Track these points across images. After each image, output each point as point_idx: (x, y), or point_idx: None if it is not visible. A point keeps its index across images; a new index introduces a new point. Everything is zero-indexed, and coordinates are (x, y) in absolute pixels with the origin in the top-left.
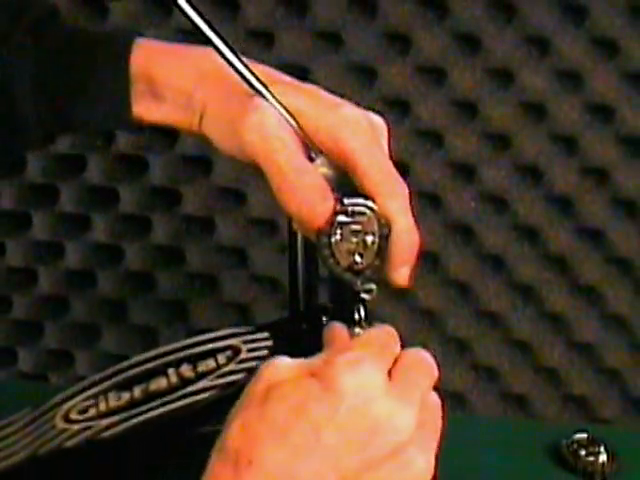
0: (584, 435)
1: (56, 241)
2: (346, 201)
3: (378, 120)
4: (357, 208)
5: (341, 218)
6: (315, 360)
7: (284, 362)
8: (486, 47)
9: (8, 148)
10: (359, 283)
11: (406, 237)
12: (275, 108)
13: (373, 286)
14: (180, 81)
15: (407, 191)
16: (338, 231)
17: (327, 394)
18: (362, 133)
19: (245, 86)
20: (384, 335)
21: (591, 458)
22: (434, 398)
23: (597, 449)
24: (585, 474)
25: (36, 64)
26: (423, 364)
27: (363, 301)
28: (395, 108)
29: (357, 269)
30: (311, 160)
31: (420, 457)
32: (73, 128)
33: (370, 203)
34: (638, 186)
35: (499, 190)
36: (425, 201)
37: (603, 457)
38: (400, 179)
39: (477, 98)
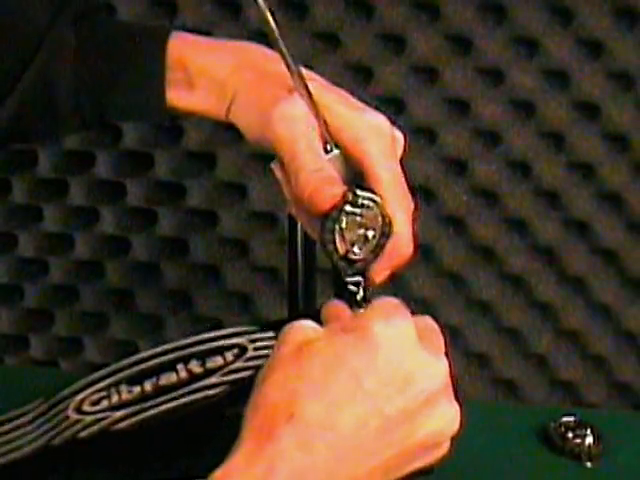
0: (571, 418)
1: (66, 233)
2: (358, 192)
3: (399, 134)
4: (366, 201)
5: (349, 207)
6: (339, 320)
7: (307, 324)
8: (477, 47)
9: (48, 132)
10: (349, 272)
11: (402, 247)
12: (305, 100)
13: (361, 279)
14: (214, 70)
15: (412, 205)
16: (344, 218)
17: (363, 343)
18: (383, 140)
19: (277, 79)
20: (400, 302)
21: (578, 440)
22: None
23: (584, 432)
24: (572, 455)
25: (76, 54)
26: (436, 329)
27: (359, 284)
28: (390, 106)
29: (352, 259)
30: (326, 152)
31: (451, 407)
32: (110, 115)
33: (379, 199)
34: (622, 180)
35: (490, 184)
36: (419, 195)
37: (589, 439)
38: (408, 193)
39: (469, 96)
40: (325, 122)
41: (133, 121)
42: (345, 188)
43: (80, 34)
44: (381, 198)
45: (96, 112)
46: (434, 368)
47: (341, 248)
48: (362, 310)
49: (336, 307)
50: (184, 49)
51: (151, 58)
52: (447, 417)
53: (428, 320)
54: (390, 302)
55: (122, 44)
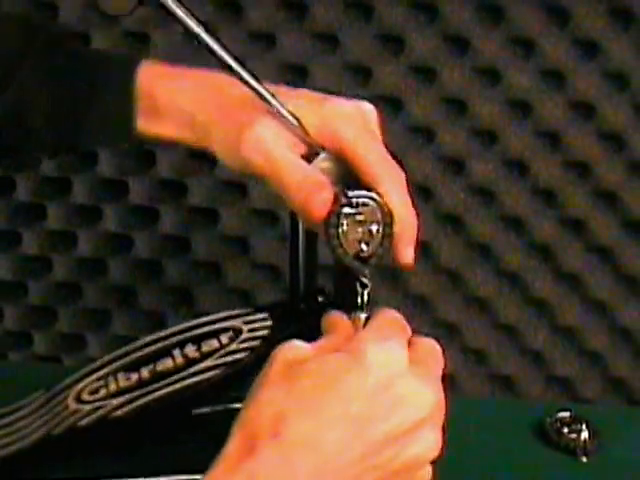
0: (567, 414)
1: (69, 231)
2: (350, 193)
3: (367, 106)
4: (360, 200)
5: (346, 210)
6: (332, 339)
7: (299, 343)
8: (474, 48)
9: (22, 160)
10: (365, 271)
11: (406, 218)
12: (279, 113)
13: (368, 283)
14: (182, 100)
15: (403, 174)
16: (344, 221)
17: (356, 366)
18: (353, 122)
19: (243, 103)
20: (400, 318)
21: (573, 435)
22: (441, 385)
23: (579, 427)
24: (568, 450)
25: (49, 83)
26: (436, 352)
27: (366, 287)
28: (389, 105)
29: (363, 257)
30: (316, 155)
31: (434, 434)
32: (82, 143)
33: (373, 194)
34: (617, 179)
35: (487, 183)
36: (417, 193)
37: (585, 434)
38: (395, 164)
39: (466, 96)
40: (303, 128)
41: (104, 147)
42: (338, 191)
43: (52, 62)
44: (371, 181)
45: (68, 140)
46: (422, 396)
47: (350, 250)
48: (363, 316)
49: (336, 318)
50: (153, 79)
51: (121, 87)
52: (429, 443)
53: (429, 343)
54: (388, 322)
55: (93, 73)
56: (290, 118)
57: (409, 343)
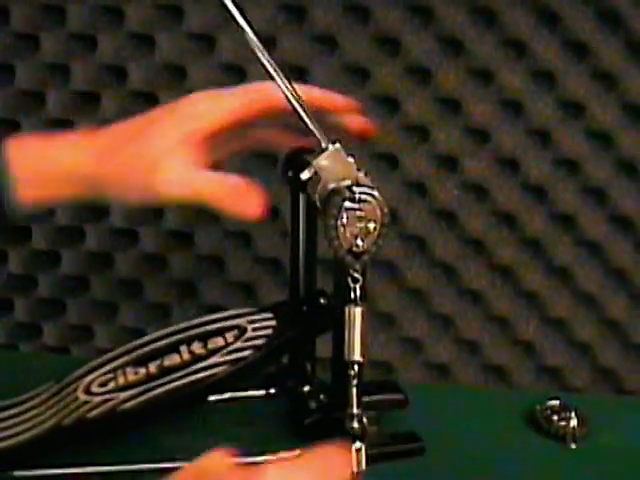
0: (556, 402)
1: (77, 226)
2: (354, 188)
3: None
4: (363, 196)
5: (348, 204)
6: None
7: (218, 457)
8: (468, 49)
9: None
10: (356, 266)
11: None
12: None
13: (360, 278)
14: (74, 164)
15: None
16: (345, 215)
17: None
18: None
19: (134, 153)
20: (330, 458)
21: (563, 423)
22: None
23: (568, 414)
24: (557, 437)
25: None
26: None
27: (357, 281)
28: (385, 105)
29: (357, 252)
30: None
31: None
32: None
33: (375, 192)
34: (605, 176)
35: (480, 180)
36: (413, 190)
37: (574, 422)
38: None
39: (460, 96)
40: (316, 123)
41: None
42: (344, 186)
43: None
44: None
45: None
46: None
47: (345, 243)
48: (359, 309)
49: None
50: (26, 152)
51: None
52: None
53: None
54: (321, 458)
55: None
56: (319, 135)
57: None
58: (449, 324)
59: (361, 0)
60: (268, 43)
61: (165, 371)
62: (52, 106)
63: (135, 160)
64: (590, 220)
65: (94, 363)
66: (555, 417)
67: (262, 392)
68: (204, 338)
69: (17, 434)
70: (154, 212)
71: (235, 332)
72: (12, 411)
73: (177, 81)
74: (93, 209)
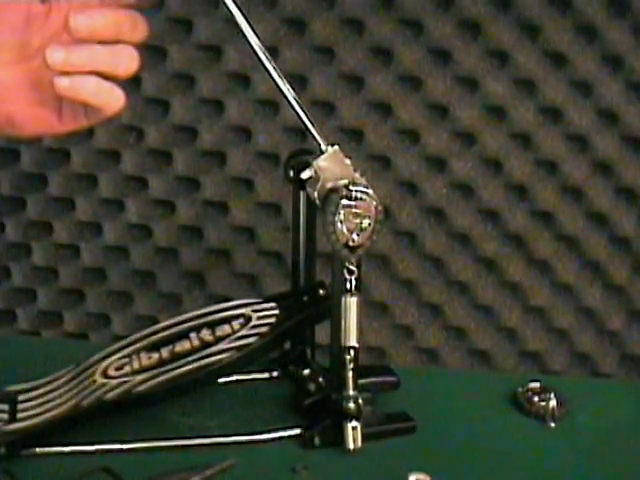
0: (537, 384)
1: (96, 222)
2: (351, 187)
3: None
4: (359, 194)
5: (345, 202)
6: None
7: None
8: (455, 59)
9: None
10: (351, 259)
11: None
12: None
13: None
14: None
15: None
16: (342, 211)
17: None
18: None
19: None
20: None
21: (543, 403)
22: None
23: (548, 396)
24: (538, 417)
25: None
26: None
27: (352, 273)
28: (379, 110)
29: (352, 246)
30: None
31: None
32: None
33: (370, 191)
34: (582, 175)
35: (466, 179)
36: (404, 189)
37: (553, 403)
38: None
39: (448, 102)
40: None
41: None
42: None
43: None
44: None
45: None
46: None
47: (341, 237)
48: (354, 299)
49: None
50: None
51: None
52: None
53: None
54: None
55: None
56: (319, 138)
57: None
58: (437, 312)
59: (356, 14)
60: (271, 53)
61: (176, 356)
62: None
63: None
64: (568, 217)
65: (111, 348)
66: (536, 398)
67: (266, 375)
68: (212, 326)
69: (39, 414)
70: (166, 208)
71: (241, 320)
72: (35, 393)
73: (187, 88)
74: (109, 205)
